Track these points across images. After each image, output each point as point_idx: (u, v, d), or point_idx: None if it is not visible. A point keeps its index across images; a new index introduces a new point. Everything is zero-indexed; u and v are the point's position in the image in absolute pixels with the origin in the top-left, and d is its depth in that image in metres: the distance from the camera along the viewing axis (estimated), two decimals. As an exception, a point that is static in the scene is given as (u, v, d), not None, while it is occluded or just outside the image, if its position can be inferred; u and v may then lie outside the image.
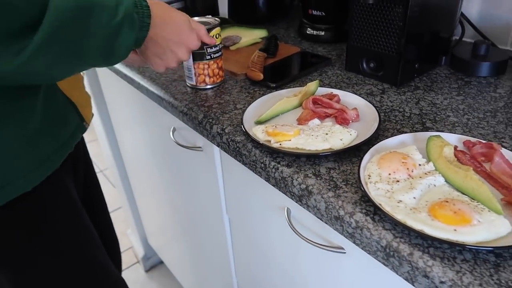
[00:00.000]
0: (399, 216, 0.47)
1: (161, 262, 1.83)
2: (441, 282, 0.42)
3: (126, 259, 1.90)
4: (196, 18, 0.83)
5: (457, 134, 0.64)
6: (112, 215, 2.20)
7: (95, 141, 1.77)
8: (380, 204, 0.49)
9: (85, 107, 0.76)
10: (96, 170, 2.42)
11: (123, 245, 1.94)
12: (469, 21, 0.92)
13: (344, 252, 0.59)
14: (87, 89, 1.38)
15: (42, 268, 0.69)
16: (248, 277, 0.99)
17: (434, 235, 0.44)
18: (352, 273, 0.60)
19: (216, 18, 0.82)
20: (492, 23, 0.92)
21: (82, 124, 0.73)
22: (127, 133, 1.33)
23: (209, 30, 0.78)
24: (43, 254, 0.69)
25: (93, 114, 0.81)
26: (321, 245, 0.61)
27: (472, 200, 0.49)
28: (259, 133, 0.65)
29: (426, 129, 0.66)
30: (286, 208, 0.67)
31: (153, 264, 1.82)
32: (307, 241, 0.62)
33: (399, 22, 0.74)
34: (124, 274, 1.82)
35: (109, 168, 1.68)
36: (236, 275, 1.05)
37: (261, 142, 0.62)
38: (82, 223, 0.75)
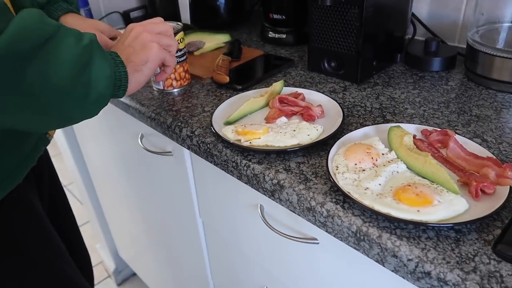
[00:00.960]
0: (367, 202, 0.50)
1: (134, 274, 1.79)
2: (409, 260, 0.45)
3: (97, 274, 1.84)
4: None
5: (415, 124, 0.68)
6: (80, 229, 2.12)
7: (59, 155, 1.72)
8: (348, 192, 0.52)
9: None
10: (63, 183, 2.34)
11: (93, 260, 1.88)
12: (420, 20, 0.98)
13: (318, 243, 0.61)
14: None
15: (10, 286, 0.67)
16: (225, 279, 1.00)
17: (400, 217, 0.47)
18: (326, 262, 0.63)
19: (179, 23, 0.83)
20: (441, 22, 0.98)
21: (44, 136, 0.71)
22: (92, 145, 1.31)
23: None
24: (10, 271, 0.66)
25: None
26: (295, 237, 0.63)
27: (432, 183, 0.52)
28: (229, 133, 0.66)
29: (387, 121, 0.70)
30: (259, 205, 0.69)
31: (125, 277, 1.78)
32: (282, 235, 0.64)
33: (356, 22, 0.78)
34: (95, 290, 1.78)
35: (75, 182, 1.63)
36: (212, 278, 1.05)
37: (231, 142, 0.64)
38: (49, 238, 0.73)
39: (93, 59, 0.52)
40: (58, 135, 1.45)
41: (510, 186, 0.50)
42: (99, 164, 1.35)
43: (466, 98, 0.76)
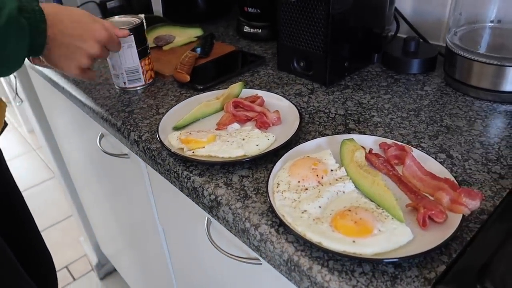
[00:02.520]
0: (300, 228, 0.44)
1: (116, 270, 1.77)
2: (338, 298, 0.40)
3: (81, 266, 1.83)
4: (116, 17, 0.79)
5: (378, 135, 0.62)
6: (64, 222, 2.12)
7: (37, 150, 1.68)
8: (283, 216, 0.46)
9: None
10: (47, 177, 2.33)
11: (76, 253, 1.87)
12: (403, 16, 0.91)
13: (261, 264, 0.56)
14: (20, 92, 1.30)
15: None
16: (187, 287, 0.96)
17: (331, 248, 0.42)
18: (269, 284, 0.58)
19: (138, 18, 0.78)
20: (425, 19, 0.91)
21: None
22: (67, 141, 1.27)
23: (130, 30, 0.74)
24: None
25: (6, 124, 0.76)
26: (237, 257, 0.58)
27: (378, 207, 0.47)
28: (173, 140, 0.61)
29: (348, 130, 0.64)
30: (206, 218, 0.64)
31: (108, 271, 1.76)
32: (224, 254, 0.60)
33: (323, 20, 0.72)
34: (79, 282, 1.76)
35: (55, 177, 1.61)
36: (176, 285, 1.01)
37: (172, 151, 0.59)
38: None
39: (8, 39, 0.51)
40: (36, 129, 1.42)
41: (463, 215, 0.44)
42: (74, 159, 1.31)
43: (440, 106, 0.69)
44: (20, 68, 0.56)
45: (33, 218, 0.92)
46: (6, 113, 0.76)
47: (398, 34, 0.91)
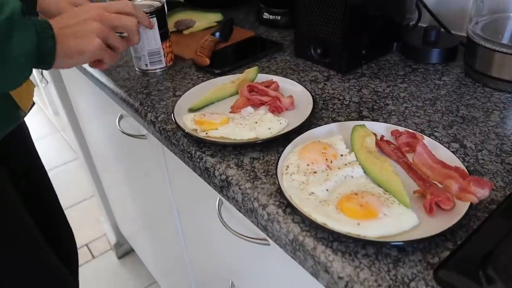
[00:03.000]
0: (306, 209, 0.45)
1: (133, 250, 1.82)
2: (339, 278, 0.41)
3: (100, 246, 1.89)
4: (138, 0, 0.81)
5: (391, 123, 0.62)
6: (86, 202, 2.18)
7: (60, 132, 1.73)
8: (290, 196, 0.47)
9: (22, 94, 0.72)
10: (70, 158, 2.40)
11: (97, 232, 1.93)
12: (425, 5, 0.89)
13: (269, 244, 0.58)
14: (46, 74, 1.34)
15: None
16: (200, 268, 0.98)
17: (335, 229, 0.42)
18: (276, 264, 0.59)
19: (159, 2, 0.79)
20: (448, 8, 0.89)
21: (16, 112, 0.69)
22: (89, 122, 1.31)
23: (152, 13, 0.76)
24: None
25: (34, 103, 0.78)
26: (246, 237, 0.60)
27: (385, 193, 0.47)
28: (188, 121, 0.63)
29: (361, 117, 0.64)
30: (218, 199, 0.66)
31: (126, 251, 1.82)
32: (233, 233, 0.61)
33: (341, 7, 0.71)
34: (98, 260, 1.82)
35: (78, 158, 1.66)
36: (190, 266, 1.04)
37: (186, 131, 0.60)
38: (21, 223, 0.72)
39: (13, 34, 0.49)
40: (60, 110, 1.47)
41: (471, 203, 0.44)
42: (95, 141, 1.35)
43: (457, 96, 0.68)
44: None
45: (57, 197, 0.95)
46: (34, 95, 0.78)
47: (420, 24, 0.90)
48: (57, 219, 0.95)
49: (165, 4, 0.81)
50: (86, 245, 1.89)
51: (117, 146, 1.12)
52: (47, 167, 0.90)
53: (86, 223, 1.98)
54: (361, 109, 0.67)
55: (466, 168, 0.49)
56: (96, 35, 0.58)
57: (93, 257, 1.83)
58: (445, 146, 0.53)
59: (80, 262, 1.80)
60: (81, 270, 1.71)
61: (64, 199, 2.11)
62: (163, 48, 0.81)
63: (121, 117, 0.92)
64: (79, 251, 1.88)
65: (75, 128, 1.46)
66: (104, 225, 1.86)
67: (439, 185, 0.48)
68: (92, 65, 0.66)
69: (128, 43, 0.67)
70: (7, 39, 0.48)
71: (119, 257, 1.82)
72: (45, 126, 2.76)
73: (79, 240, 1.87)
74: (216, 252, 0.81)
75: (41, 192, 0.89)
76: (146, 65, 0.81)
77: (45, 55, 0.54)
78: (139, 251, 1.62)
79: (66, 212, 0.96)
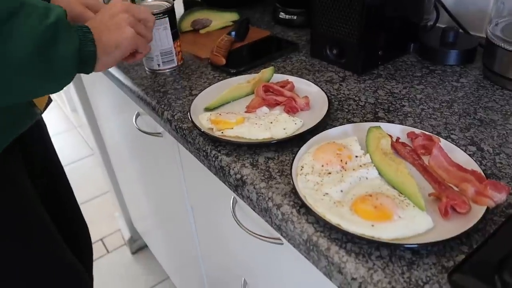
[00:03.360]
0: (320, 209, 0.46)
1: (147, 246, 1.85)
2: (353, 279, 0.41)
3: (114, 241, 1.92)
4: (149, 0, 0.82)
5: (407, 125, 0.62)
6: (102, 198, 2.22)
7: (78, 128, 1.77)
8: (304, 197, 0.48)
9: None
10: (86, 154, 2.44)
11: (111, 228, 1.97)
12: (444, 6, 0.88)
13: (282, 244, 0.58)
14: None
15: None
16: (213, 265, 0.99)
17: (349, 230, 0.43)
18: (289, 264, 0.60)
19: (170, 1, 0.80)
20: (467, 9, 0.88)
21: (32, 109, 0.71)
22: (106, 119, 1.33)
23: (157, 15, 0.76)
24: None
25: (51, 100, 0.80)
26: (260, 236, 0.60)
27: (400, 195, 0.47)
28: (204, 120, 0.64)
29: (377, 119, 0.64)
30: (232, 197, 0.66)
31: (139, 247, 1.84)
32: (247, 232, 0.62)
33: (358, 8, 0.71)
34: (112, 255, 1.85)
35: (94, 154, 1.68)
36: (203, 263, 1.05)
37: (202, 130, 0.61)
38: (38, 219, 0.73)
39: (58, 38, 0.51)
40: (78, 107, 1.49)
41: (488, 207, 0.44)
42: (112, 138, 1.37)
43: (475, 98, 0.68)
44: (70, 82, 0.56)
45: (73, 193, 0.97)
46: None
47: (438, 24, 0.89)
48: (74, 215, 0.97)
49: (180, 4, 0.82)
50: (101, 239, 1.92)
51: (133, 143, 1.14)
52: (63, 163, 0.92)
53: (101, 218, 2.01)
54: (377, 110, 0.66)
55: (483, 172, 0.49)
56: (127, 24, 0.61)
57: (108, 251, 1.86)
58: (462, 149, 0.53)
59: (94, 256, 1.83)
60: (95, 264, 1.74)
61: (80, 194, 2.14)
62: (174, 48, 0.82)
63: (137, 115, 0.93)
64: (94, 245, 1.91)
65: (92, 125, 1.48)
66: (118, 220, 1.89)
67: (455, 188, 0.48)
68: (128, 59, 0.68)
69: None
70: (53, 42, 0.50)
71: (133, 253, 1.84)
72: (62, 123, 2.81)
73: (94, 234, 1.92)
74: (229, 249, 0.82)
75: (58, 189, 0.91)
76: (159, 65, 0.82)
77: (87, 58, 0.56)
78: (153, 247, 1.64)
79: (81, 207, 0.98)
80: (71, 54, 0.53)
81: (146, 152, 1.06)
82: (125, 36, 0.60)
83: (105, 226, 1.98)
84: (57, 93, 2.38)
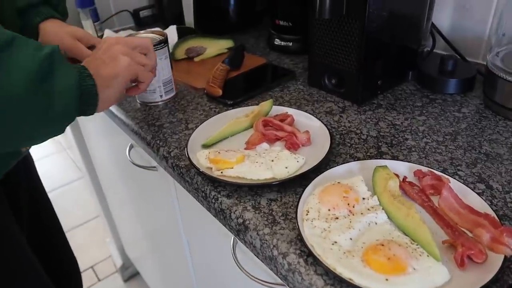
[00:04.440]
0: (330, 261, 0.43)
1: (139, 273, 1.79)
2: None
3: (106, 268, 1.86)
4: (141, 32, 0.80)
5: (412, 160, 0.60)
6: (93, 222, 2.16)
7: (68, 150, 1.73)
8: (312, 246, 0.45)
9: None
10: (76, 176, 2.39)
11: (102, 254, 1.91)
12: (440, 32, 0.88)
13: (287, 290, 0.55)
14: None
15: None
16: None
17: (362, 285, 0.40)
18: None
19: (162, 34, 0.78)
20: (464, 35, 0.88)
21: (18, 150, 0.68)
22: (96, 143, 1.30)
23: (158, 45, 0.75)
24: None
25: None
26: (263, 281, 0.57)
27: (412, 242, 0.45)
28: (202, 158, 0.61)
29: (380, 154, 0.62)
30: (232, 238, 0.64)
31: (132, 274, 1.79)
32: (250, 277, 0.59)
33: (357, 37, 0.70)
34: (103, 283, 1.80)
35: (84, 177, 1.64)
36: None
37: (201, 170, 0.58)
38: (20, 258, 0.70)
39: (54, 70, 0.49)
40: (67, 130, 1.46)
41: (505, 255, 0.42)
42: (102, 163, 1.34)
43: (478, 130, 0.66)
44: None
45: (59, 223, 0.94)
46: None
47: (434, 50, 0.88)
48: (60, 249, 0.94)
49: (174, 31, 0.81)
50: (92, 267, 1.86)
51: (124, 171, 1.11)
52: (52, 185, 0.89)
53: (92, 244, 1.96)
54: (380, 144, 0.65)
55: (495, 212, 0.47)
56: (122, 54, 0.59)
57: (99, 279, 1.81)
58: (471, 188, 0.51)
59: (85, 285, 1.77)
60: (86, 294, 1.67)
61: (70, 218, 2.10)
62: (172, 76, 0.81)
63: (131, 147, 0.90)
64: (84, 273, 1.85)
65: (81, 148, 1.45)
66: (110, 246, 1.84)
67: (469, 234, 0.46)
68: (129, 92, 0.66)
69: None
70: (50, 74, 0.48)
71: (125, 280, 1.79)
72: (50, 144, 2.75)
73: (85, 261, 1.87)
74: (228, 287, 0.79)
75: (44, 221, 0.88)
76: (161, 96, 0.80)
77: (88, 93, 0.54)
78: (145, 275, 1.59)
79: (72, 231, 0.95)
80: (70, 87, 0.50)
81: (139, 183, 1.03)
82: (121, 65, 0.58)
83: (96, 252, 1.92)
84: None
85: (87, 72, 0.55)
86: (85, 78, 0.54)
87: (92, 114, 0.57)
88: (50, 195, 0.90)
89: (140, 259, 1.56)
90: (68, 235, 0.95)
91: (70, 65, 0.52)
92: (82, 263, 1.89)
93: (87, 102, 0.55)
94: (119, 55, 0.59)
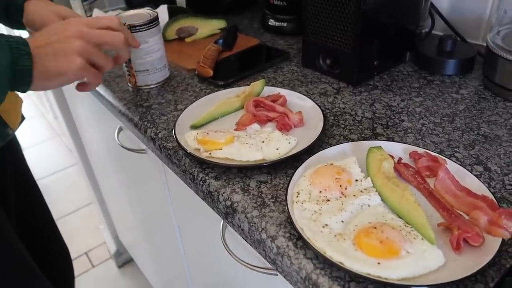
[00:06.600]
0: (319, 244, 0.41)
1: (133, 259, 1.78)
2: (358, 325, 0.37)
3: (100, 254, 1.85)
4: (131, 11, 0.76)
5: (408, 142, 0.58)
6: (87, 209, 2.14)
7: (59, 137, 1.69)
8: (301, 229, 0.43)
9: (11, 112, 0.68)
10: (70, 163, 2.36)
11: (96, 240, 1.89)
12: (439, 12, 0.85)
13: (276, 274, 0.53)
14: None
15: None
16: (202, 286, 0.94)
17: (353, 269, 0.38)
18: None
19: (153, 11, 0.75)
20: (463, 15, 0.85)
21: (4, 130, 0.65)
22: (88, 130, 1.27)
23: (138, 27, 0.71)
24: None
25: (24, 118, 0.74)
26: (253, 266, 0.55)
27: (406, 225, 0.43)
28: (190, 139, 0.59)
29: (376, 135, 0.60)
30: (222, 222, 0.62)
31: (126, 260, 1.78)
32: (238, 261, 0.57)
33: (352, 15, 0.67)
34: (97, 270, 1.79)
35: (77, 164, 1.62)
36: (191, 281, 1.00)
37: (188, 151, 0.56)
38: (6, 246, 0.68)
39: None
40: (59, 117, 1.43)
41: (503, 238, 0.40)
42: (94, 149, 1.31)
43: (477, 112, 0.64)
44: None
45: (49, 211, 0.92)
46: (34, 98, 0.74)
47: (433, 31, 0.86)
48: (50, 236, 0.92)
49: (165, 11, 0.77)
50: (86, 253, 1.85)
51: (116, 156, 1.08)
52: (46, 172, 0.87)
53: (86, 230, 1.94)
54: (375, 125, 0.62)
55: (493, 195, 0.45)
56: (77, 54, 0.52)
57: (93, 266, 1.79)
58: (468, 169, 0.49)
59: (79, 271, 1.77)
60: (80, 279, 1.67)
61: (64, 205, 2.08)
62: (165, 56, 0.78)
63: (120, 129, 0.88)
64: (79, 259, 1.84)
65: (74, 134, 1.42)
66: (104, 232, 1.82)
67: (466, 216, 0.44)
68: (78, 88, 0.61)
69: (117, 61, 0.62)
70: None
71: (119, 266, 1.78)
72: (45, 131, 2.72)
73: (79, 248, 1.85)
74: (219, 272, 0.77)
75: (32, 209, 0.86)
76: (156, 76, 0.77)
77: (22, 74, 0.49)
78: (139, 261, 1.58)
79: (66, 218, 0.93)
80: (1, 69, 0.46)
81: (129, 167, 1.01)
82: (71, 68, 0.52)
83: (90, 238, 1.91)
84: (40, 99, 2.29)
85: (25, 50, 0.49)
86: (20, 58, 0.48)
87: (23, 92, 0.53)
88: (44, 182, 0.88)
89: (133, 245, 1.54)
90: (62, 222, 0.93)
91: (2, 43, 0.47)
92: (76, 249, 1.88)
93: (19, 82, 0.50)
94: (74, 54, 0.52)
